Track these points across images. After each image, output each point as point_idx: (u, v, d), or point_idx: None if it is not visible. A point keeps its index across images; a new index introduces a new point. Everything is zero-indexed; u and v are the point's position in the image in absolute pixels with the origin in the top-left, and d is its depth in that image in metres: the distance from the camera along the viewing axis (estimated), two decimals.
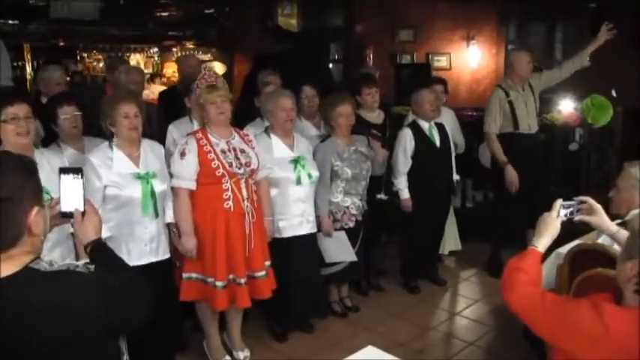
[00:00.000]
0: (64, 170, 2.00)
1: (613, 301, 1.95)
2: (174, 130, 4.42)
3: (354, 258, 4.71)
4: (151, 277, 3.39)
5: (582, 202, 2.48)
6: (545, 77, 5.74)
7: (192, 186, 3.80)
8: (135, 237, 3.62)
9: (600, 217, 2.48)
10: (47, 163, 3.21)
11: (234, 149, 3.89)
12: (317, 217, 4.53)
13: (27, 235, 1.66)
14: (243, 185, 3.87)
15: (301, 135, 4.69)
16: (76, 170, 2.00)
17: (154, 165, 3.70)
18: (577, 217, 2.45)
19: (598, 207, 2.47)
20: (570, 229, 2.77)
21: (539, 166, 5.69)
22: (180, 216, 3.79)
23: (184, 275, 3.90)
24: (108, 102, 3.65)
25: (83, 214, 1.97)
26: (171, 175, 3.81)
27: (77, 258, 2.83)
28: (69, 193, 1.97)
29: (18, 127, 3.10)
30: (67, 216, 1.98)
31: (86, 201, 2.00)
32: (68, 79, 7.32)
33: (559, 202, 2.40)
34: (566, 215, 2.41)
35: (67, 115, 3.86)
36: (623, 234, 2.47)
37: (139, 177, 3.60)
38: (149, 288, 1.88)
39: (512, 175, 5.43)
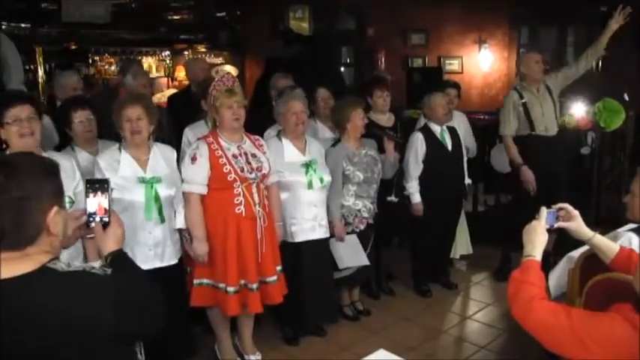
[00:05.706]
0: (90, 181, 2.02)
1: (635, 311, 1.89)
2: (190, 133, 4.42)
3: (366, 262, 4.69)
4: (156, 282, 3.40)
5: (560, 209, 2.47)
6: (561, 75, 5.60)
7: (204, 191, 3.78)
8: (139, 241, 3.59)
9: (578, 222, 2.46)
10: None
11: (245, 154, 3.87)
12: (330, 222, 4.53)
13: (45, 235, 1.67)
14: (254, 190, 3.84)
15: (316, 138, 4.69)
16: (102, 181, 2.02)
17: (162, 169, 3.69)
18: (556, 224, 2.43)
19: (575, 213, 2.45)
20: None
21: (558, 169, 5.49)
22: (192, 221, 3.77)
23: (195, 281, 3.88)
24: (116, 106, 3.65)
25: (108, 224, 1.99)
26: (182, 180, 3.80)
27: (86, 260, 2.85)
28: (95, 204, 1.98)
29: (21, 129, 3.08)
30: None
31: (111, 212, 2.01)
32: None
33: (544, 209, 2.39)
34: (548, 223, 2.39)
35: (81, 119, 3.88)
36: (599, 239, 2.48)
37: (143, 181, 3.59)
38: (164, 300, 1.88)
39: (528, 175, 5.35)
